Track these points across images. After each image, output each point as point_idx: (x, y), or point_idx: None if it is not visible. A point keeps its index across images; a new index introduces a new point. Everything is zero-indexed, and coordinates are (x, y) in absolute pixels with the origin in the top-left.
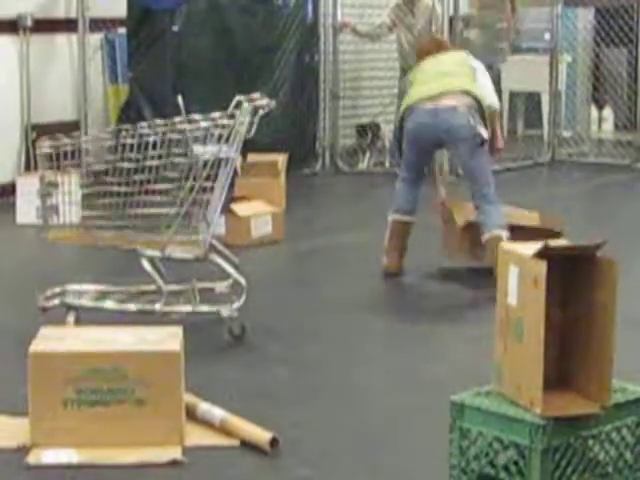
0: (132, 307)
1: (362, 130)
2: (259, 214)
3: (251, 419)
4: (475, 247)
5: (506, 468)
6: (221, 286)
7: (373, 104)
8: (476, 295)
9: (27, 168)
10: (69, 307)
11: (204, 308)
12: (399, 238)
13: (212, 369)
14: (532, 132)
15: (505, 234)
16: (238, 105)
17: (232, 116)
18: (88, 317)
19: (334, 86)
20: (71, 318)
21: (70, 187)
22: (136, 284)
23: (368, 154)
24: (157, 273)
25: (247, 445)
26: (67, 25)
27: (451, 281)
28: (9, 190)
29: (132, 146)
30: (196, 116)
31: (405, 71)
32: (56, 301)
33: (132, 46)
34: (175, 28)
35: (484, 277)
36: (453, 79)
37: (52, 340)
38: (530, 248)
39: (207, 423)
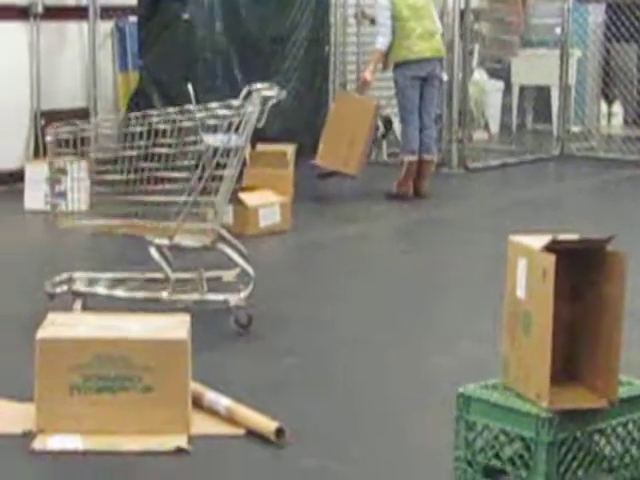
0: (140, 295)
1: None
2: (267, 204)
3: (257, 408)
4: None
5: (512, 461)
6: (229, 275)
7: (382, 96)
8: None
9: (36, 154)
10: (76, 294)
11: (211, 297)
12: (413, 173)
13: (219, 358)
14: (541, 126)
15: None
16: (248, 95)
17: (242, 105)
18: (95, 304)
19: (343, 77)
20: (78, 305)
21: (79, 174)
22: (144, 272)
23: (384, 145)
24: (165, 261)
25: (253, 435)
26: (78, 12)
27: (461, 262)
28: (18, 176)
29: (141, 134)
30: (206, 105)
31: None
32: (64, 288)
33: (142, 34)
34: (186, 16)
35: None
36: (434, 38)
37: (59, 326)
38: (539, 241)
39: (213, 412)
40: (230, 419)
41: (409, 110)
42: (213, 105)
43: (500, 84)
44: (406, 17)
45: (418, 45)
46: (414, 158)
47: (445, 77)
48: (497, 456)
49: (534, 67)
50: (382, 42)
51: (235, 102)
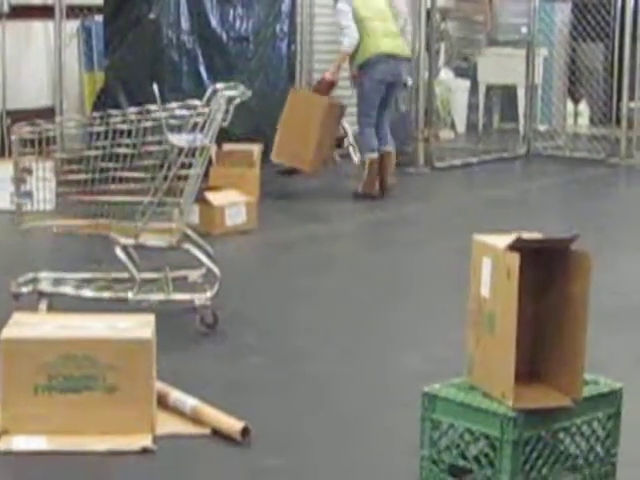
0: (105, 295)
1: None
2: (233, 203)
3: (223, 408)
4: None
5: (477, 459)
6: (194, 275)
7: (345, 95)
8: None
9: (1, 154)
10: (42, 294)
11: (177, 296)
12: (376, 170)
13: (184, 357)
14: (508, 125)
15: None
16: (213, 94)
17: (207, 105)
18: (60, 304)
19: (309, 76)
20: (43, 305)
21: (44, 173)
22: (109, 272)
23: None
24: (130, 261)
25: (218, 434)
26: (44, 11)
27: (428, 261)
28: None
29: (107, 133)
30: (171, 104)
31: None
32: (29, 288)
33: (108, 33)
34: (152, 16)
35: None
36: (399, 38)
37: (24, 326)
38: (504, 240)
39: (178, 411)
40: (195, 419)
41: (368, 113)
42: (178, 104)
43: (466, 83)
44: (367, 17)
45: (384, 43)
46: (375, 155)
47: (410, 81)
48: (462, 455)
49: (500, 66)
50: (348, 43)
51: (200, 101)
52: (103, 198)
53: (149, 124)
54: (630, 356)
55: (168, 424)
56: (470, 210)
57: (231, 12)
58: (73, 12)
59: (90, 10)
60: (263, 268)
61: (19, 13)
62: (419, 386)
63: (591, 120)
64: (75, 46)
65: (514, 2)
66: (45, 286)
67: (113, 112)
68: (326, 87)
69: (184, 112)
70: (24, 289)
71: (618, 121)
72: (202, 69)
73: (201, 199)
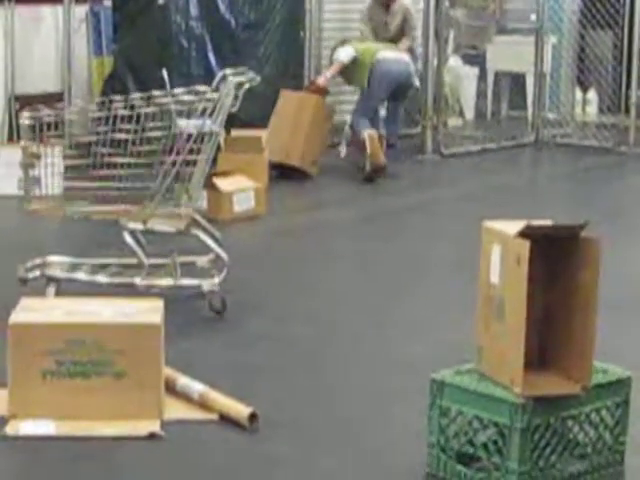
0: (113, 280)
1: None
2: (242, 189)
3: (231, 394)
4: None
5: (485, 447)
6: (202, 260)
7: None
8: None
9: (10, 139)
10: (50, 279)
11: (185, 282)
12: (377, 142)
13: (192, 343)
14: (516, 113)
15: None
16: (223, 79)
17: (217, 90)
18: (68, 289)
19: (318, 63)
20: (51, 290)
21: (53, 158)
22: (118, 257)
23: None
24: (139, 246)
25: (226, 420)
26: None
27: (435, 251)
28: None
29: (115, 118)
30: (180, 90)
31: None
32: (37, 272)
33: (117, 19)
34: (161, 1)
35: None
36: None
37: (32, 311)
38: (513, 227)
39: (186, 397)
40: (203, 404)
41: (365, 112)
42: (187, 90)
43: (475, 70)
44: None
45: (385, 50)
46: (373, 131)
47: (417, 83)
48: (471, 442)
49: (509, 54)
50: (344, 54)
51: (209, 87)
52: (111, 183)
53: (158, 109)
54: None
55: (176, 410)
56: (478, 197)
57: None
58: None
59: None
60: (272, 254)
61: None
62: (427, 373)
63: (600, 108)
64: (84, 31)
65: None
66: (53, 271)
67: (125, 96)
68: (318, 93)
69: (193, 97)
70: (32, 274)
71: (627, 109)
72: (211, 55)
73: (209, 185)
